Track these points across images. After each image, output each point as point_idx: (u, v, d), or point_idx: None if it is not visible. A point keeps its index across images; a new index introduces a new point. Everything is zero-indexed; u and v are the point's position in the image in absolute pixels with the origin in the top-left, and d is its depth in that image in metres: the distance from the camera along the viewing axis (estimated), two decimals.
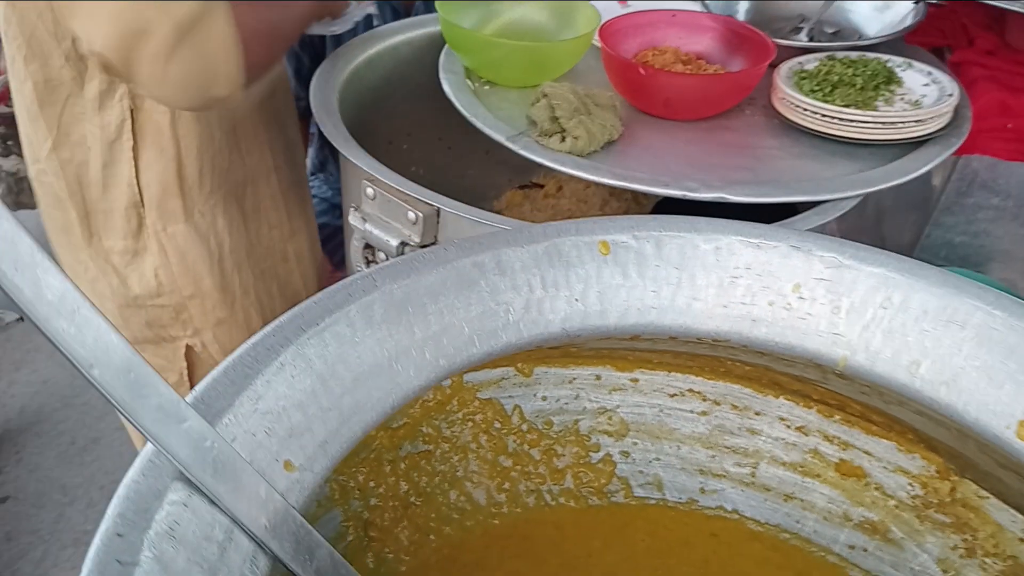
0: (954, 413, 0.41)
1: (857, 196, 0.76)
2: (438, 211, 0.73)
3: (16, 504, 1.95)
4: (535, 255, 0.42)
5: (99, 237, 0.94)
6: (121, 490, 0.23)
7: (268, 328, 0.33)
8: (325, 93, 0.85)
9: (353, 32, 1.18)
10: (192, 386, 0.97)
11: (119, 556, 0.22)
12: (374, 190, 0.71)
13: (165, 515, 0.23)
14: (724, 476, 0.71)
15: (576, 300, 0.43)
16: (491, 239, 0.41)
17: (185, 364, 1.04)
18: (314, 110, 0.83)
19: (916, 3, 1.14)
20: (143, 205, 0.92)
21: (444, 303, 0.39)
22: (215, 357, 1.03)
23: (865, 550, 0.65)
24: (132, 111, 0.86)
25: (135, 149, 0.88)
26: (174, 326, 1.01)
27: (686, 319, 0.45)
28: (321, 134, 1.57)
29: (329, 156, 1.49)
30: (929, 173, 0.91)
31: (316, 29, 1.02)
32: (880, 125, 0.83)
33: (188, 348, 1.03)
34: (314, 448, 0.31)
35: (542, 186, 1.34)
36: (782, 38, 1.12)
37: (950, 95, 0.88)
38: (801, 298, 0.44)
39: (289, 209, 1.11)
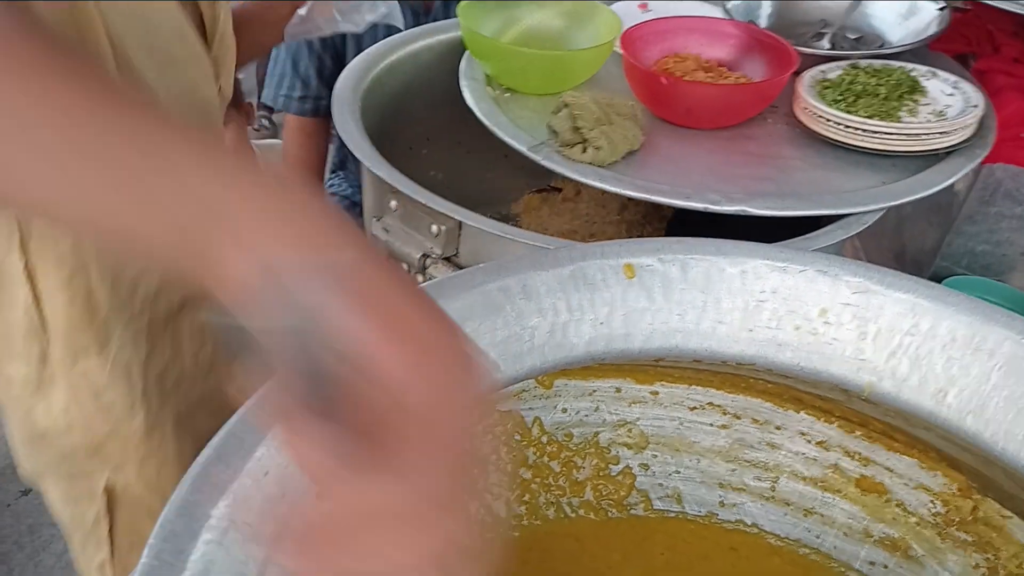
0: (981, 442, 0.41)
1: (881, 210, 0.75)
2: (460, 224, 0.73)
3: (38, 496, 1.98)
4: (560, 278, 0.42)
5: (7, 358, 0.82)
6: (157, 530, 0.23)
7: None
8: (348, 103, 0.85)
9: (373, 38, 1.18)
10: (112, 526, 0.86)
11: None
12: (397, 202, 0.71)
13: (200, 555, 0.23)
14: (744, 490, 0.70)
15: (601, 323, 0.43)
16: (517, 263, 0.41)
17: (104, 501, 0.89)
18: (336, 122, 0.83)
19: (940, 9, 1.13)
20: (47, 337, 0.79)
21: (471, 328, 0.39)
22: (141, 494, 0.89)
23: (886, 567, 0.65)
24: (20, 226, 0.73)
25: (30, 272, 0.75)
26: (90, 462, 0.87)
27: (711, 343, 0.45)
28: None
29: (349, 155, 1.49)
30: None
31: (327, 29, 1.01)
32: (904, 137, 0.82)
33: (107, 484, 0.88)
34: None
35: (560, 190, 1.33)
36: (804, 44, 1.11)
37: (975, 106, 0.87)
38: (827, 323, 0.44)
39: None
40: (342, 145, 1.47)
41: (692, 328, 0.44)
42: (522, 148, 0.79)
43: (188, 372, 0.88)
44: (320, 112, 1.59)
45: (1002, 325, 0.41)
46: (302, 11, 1.00)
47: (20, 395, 0.82)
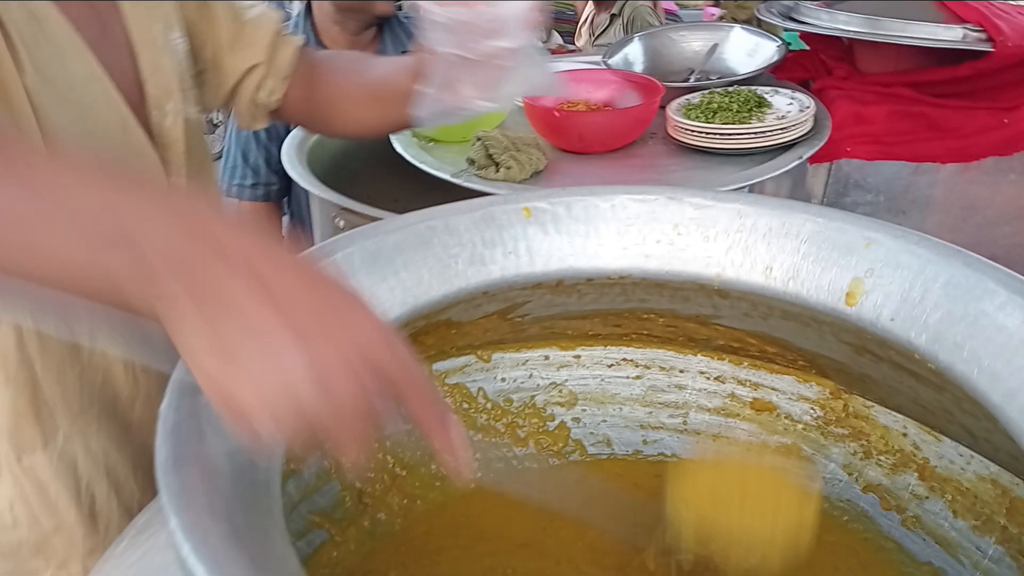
0: (799, 299, 0.52)
1: (742, 188, 0.90)
2: None
3: None
4: (475, 220, 0.53)
5: None
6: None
7: None
8: (296, 153, 0.96)
9: None
10: None
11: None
12: (344, 221, 0.82)
13: None
14: (661, 427, 0.80)
15: (510, 252, 0.54)
16: (440, 210, 0.52)
17: None
18: (286, 165, 0.93)
19: (778, 45, 1.33)
20: None
21: (407, 256, 0.49)
22: None
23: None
24: None
25: None
26: (34, 560, 0.83)
27: (596, 261, 0.56)
28: (292, 214, 1.69)
29: (299, 223, 1.59)
30: (810, 183, 1.06)
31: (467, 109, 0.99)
32: (753, 135, 0.98)
33: None
34: None
35: None
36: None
37: (807, 107, 1.04)
38: (679, 235, 0.55)
39: None
40: (291, 221, 1.58)
41: (580, 252, 0.55)
42: (446, 176, 0.92)
43: (140, 460, 0.83)
44: (271, 197, 1.68)
45: (801, 211, 0.53)
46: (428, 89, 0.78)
47: None
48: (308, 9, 1.53)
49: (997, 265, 0.44)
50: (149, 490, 0.82)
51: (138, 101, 0.70)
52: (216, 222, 0.35)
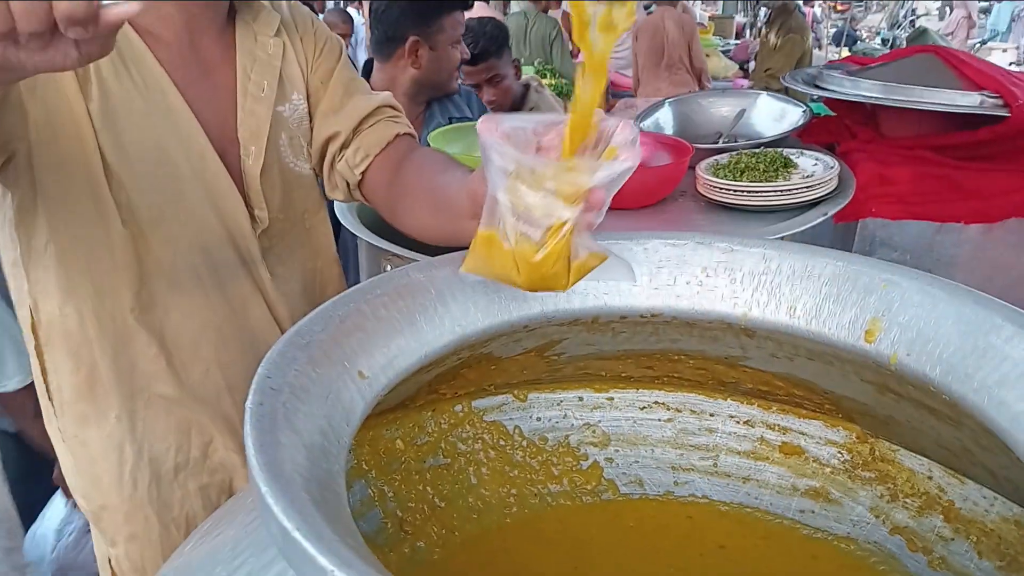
0: (822, 337, 0.55)
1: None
2: None
3: None
4: None
5: (48, 418, 0.86)
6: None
7: (341, 295, 0.47)
8: (347, 205, 1.02)
9: None
10: None
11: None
12: (390, 265, 0.87)
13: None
14: (692, 469, 0.82)
15: None
16: None
17: (109, 573, 0.90)
18: (339, 214, 0.99)
19: (803, 110, 1.38)
20: (53, 407, 0.83)
21: (455, 289, 0.54)
22: (127, 575, 0.88)
23: (813, 512, 0.76)
24: (32, 309, 0.79)
25: (39, 349, 0.81)
26: (95, 528, 0.90)
27: (629, 300, 0.60)
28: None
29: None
30: (836, 241, 1.09)
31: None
32: (779, 193, 1.02)
33: (108, 555, 0.90)
34: (379, 367, 0.45)
35: None
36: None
37: (832, 167, 1.08)
38: (708, 276, 0.59)
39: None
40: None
41: (614, 291, 0.59)
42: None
43: (192, 460, 0.87)
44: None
45: (823, 255, 0.57)
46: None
47: (59, 452, 0.87)
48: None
49: (1004, 303, 0.47)
50: (190, 492, 0.89)
51: (232, 139, 0.81)
52: None
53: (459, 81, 1.57)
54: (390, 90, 1.32)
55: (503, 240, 0.49)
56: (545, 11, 3.77)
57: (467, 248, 0.53)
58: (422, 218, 0.78)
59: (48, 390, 0.83)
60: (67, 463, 0.87)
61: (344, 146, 0.86)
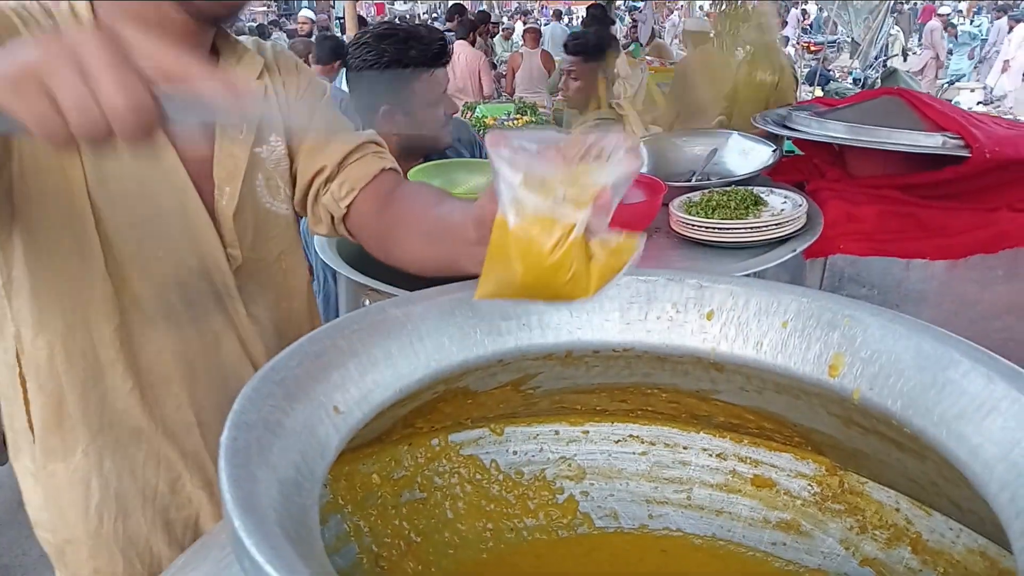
0: (788, 372, 0.56)
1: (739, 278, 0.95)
2: None
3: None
4: None
5: (16, 451, 0.86)
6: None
7: (316, 331, 0.48)
8: (327, 242, 1.03)
9: None
10: None
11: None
12: (368, 300, 0.87)
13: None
14: (666, 502, 0.82)
15: (524, 325, 0.59)
16: (461, 285, 0.58)
17: None
18: (318, 249, 1.00)
19: (773, 150, 1.41)
20: (33, 436, 0.83)
21: (431, 324, 0.55)
22: None
23: (784, 544, 0.76)
24: (15, 338, 0.79)
25: (22, 377, 0.81)
26: (58, 565, 0.89)
27: (602, 334, 0.61)
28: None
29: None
30: (807, 277, 1.12)
31: None
32: (749, 230, 1.04)
33: None
34: (353, 402, 0.45)
35: None
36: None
37: (800, 205, 1.11)
38: (678, 311, 0.61)
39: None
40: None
41: (587, 325, 0.60)
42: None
43: (155, 495, 0.86)
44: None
45: (788, 292, 0.58)
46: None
47: (29, 485, 0.86)
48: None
49: (961, 338, 0.48)
50: (157, 528, 0.88)
51: (208, 176, 0.81)
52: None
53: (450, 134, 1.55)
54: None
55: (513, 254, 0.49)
56: None
57: (462, 278, 0.54)
58: (417, 249, 0.78)
59: (30, 420, 0.83)
60: (35, 498, 0.86)
61: (329, 179, 0.86)
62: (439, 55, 1.41)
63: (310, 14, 7.09)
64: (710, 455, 0.82)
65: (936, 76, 8.83)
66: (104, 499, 0.84)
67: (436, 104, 1.46)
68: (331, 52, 3.77)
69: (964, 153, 1.23)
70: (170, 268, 0.80)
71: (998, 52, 8.82)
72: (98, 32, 0.43)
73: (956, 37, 10.04)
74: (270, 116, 0.74)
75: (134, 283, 0.79)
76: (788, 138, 1.53)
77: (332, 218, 0.87)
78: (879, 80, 4.97)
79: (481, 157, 1.69)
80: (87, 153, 0.74)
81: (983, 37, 10.18)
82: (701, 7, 6.28)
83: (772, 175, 1.39)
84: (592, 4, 6.44)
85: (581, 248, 0.50)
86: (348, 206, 0.85)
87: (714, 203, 1.13)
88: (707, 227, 1.06)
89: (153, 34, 0.74)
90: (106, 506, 0.85)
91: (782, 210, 1.13)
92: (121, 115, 0.42)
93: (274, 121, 0.83)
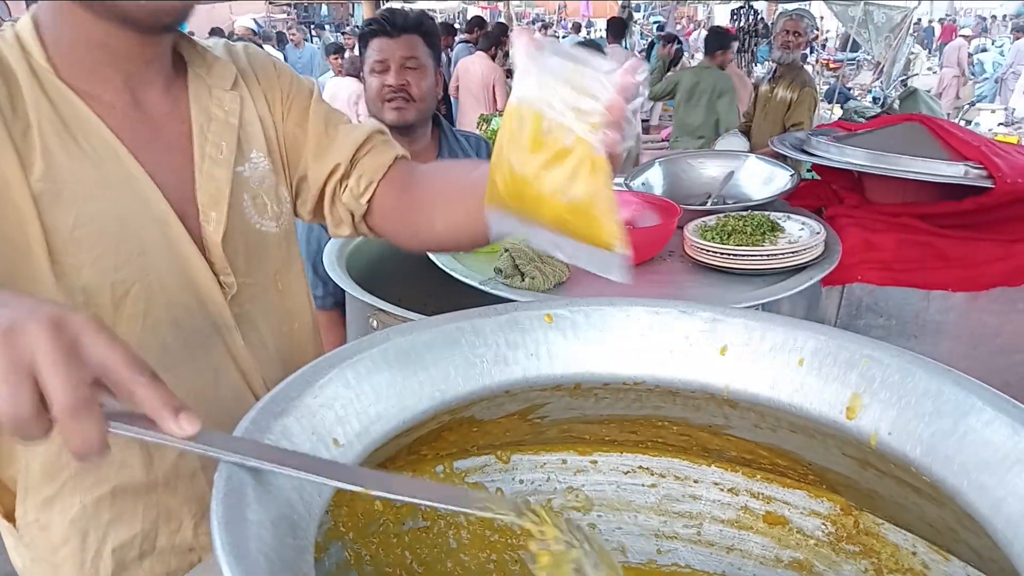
0: (803, 412, 0.55)
1: (754, 306, 0.94)
2: None
3: None
4: (500, 323, 0.57)
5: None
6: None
7: (318, 360, 0.47)
8: (335, 259, 1.02)
9: None
10: None
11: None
12: (377, 322, 0.86)
13: None
14: (676, 537, 0.80)
15: (531, 355, 0.58)
16: (467, 313, 0.57)
17: None
18: (327, 267, 0.99)
19: (791, 176, 1.40)
20: (25, 486, 0.78)
21: (436, 353, 0.54)
22: None
23: None
24: None
25: None
26: None
27: (612, 367, 0.59)
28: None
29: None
30: (824, 306, 1.10)
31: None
32: (765, 257, 1.03)
33: None
34: (354, 434, 0.44)
35: None
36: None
37: (818, 233, 1.09)
38: (691, 345, 0.59)
39: None
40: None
41: (596, 357, 0.59)
42: (474, 283, 0.97)
43: (157, 549, 0.83)
44: (340, 305, 1.71)
45: (804, 329, 0.57)
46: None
47: (21, 535, 0.81)
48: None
49: (984, 384, 0.47)
50: None
51: (191, 201, 0.76)
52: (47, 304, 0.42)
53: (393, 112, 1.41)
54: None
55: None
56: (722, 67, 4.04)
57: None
58: (452, 221, 0.77)
59: (27, 472, 0.78)
60: (22, 556, 0.82)
61: (345, 176, 0.83)
62: None
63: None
64: (721, 489, 0.80)
65: (957, 95, 8.76)
66: (100, 553, 0.80)
67: (375, 72, 1.38)
68: None
69: (987, 184, 1.21)
70: (161, 307, 0.75)
71: (1016, 74, 8.75)
72: (52, 327, 0.41)
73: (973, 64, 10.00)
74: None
75: (121, 327, 0.73)
76: (807, 163, 1.51)
77: (353, 217, 0.85)
78: (897, 100, 4.92)
79: None
80: (45, 195, 0.67)
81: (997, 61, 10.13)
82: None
83: (789, 199, 1.37)
84: (612, 18, 6.47)
85: (603, 184, 0.54)
86: (368, 201, 0.83)
87: (730, 228, 1.12)
88: (722, 253, 1.04)
89: (99, 56, 0.70)
90: (102, 561, 0.81)
91: (799, 237, 1.11)
92: (62, 419, 0.40)
93: (255, 136, 0.80)
